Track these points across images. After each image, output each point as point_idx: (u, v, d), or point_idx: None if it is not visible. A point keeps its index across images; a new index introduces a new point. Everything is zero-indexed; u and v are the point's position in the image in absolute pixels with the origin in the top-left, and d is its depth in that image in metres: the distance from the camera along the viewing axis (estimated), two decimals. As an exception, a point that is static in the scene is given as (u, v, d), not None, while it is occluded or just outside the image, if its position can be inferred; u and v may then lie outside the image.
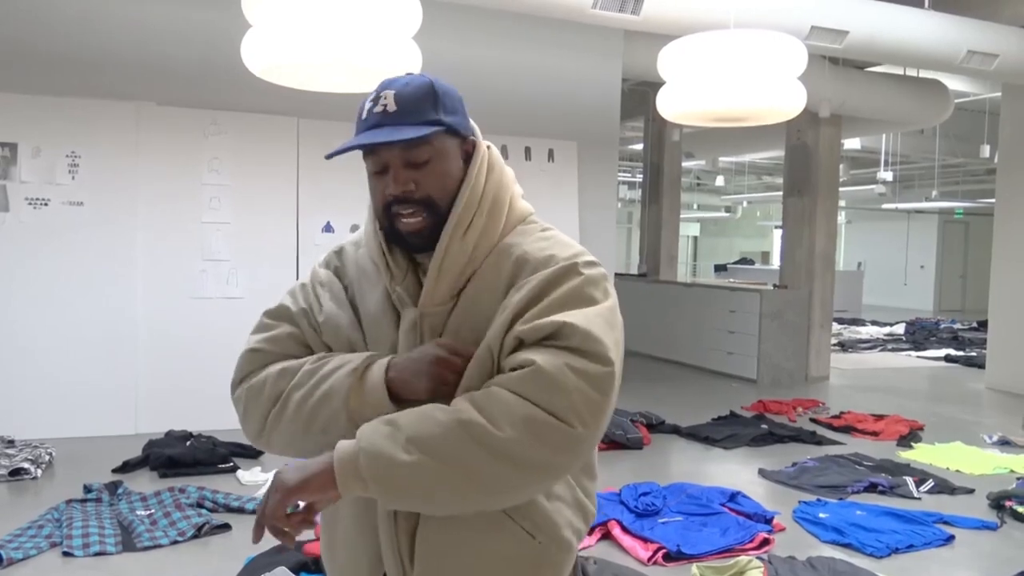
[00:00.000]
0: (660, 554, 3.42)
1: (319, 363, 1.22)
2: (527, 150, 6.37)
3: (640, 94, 9.78)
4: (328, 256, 1.38)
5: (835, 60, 7.58)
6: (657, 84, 4.85)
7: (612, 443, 5.20)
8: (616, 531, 3.67)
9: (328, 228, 5.85)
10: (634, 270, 11.27)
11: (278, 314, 1.34)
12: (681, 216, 11.07)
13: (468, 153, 1.22)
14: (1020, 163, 7.93)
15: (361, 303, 1.28)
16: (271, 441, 1.27)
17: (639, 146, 11.78)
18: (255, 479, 4.34)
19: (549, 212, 6.51)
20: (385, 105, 1.16)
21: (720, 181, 17.02)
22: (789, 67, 4.22)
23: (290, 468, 1.08)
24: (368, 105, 1.18)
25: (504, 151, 6.28)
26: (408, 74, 1.22)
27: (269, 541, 3.30)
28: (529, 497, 1.13)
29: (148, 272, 5.38)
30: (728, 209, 22.32)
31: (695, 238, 25.32)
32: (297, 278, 5.99)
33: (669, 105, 4.50)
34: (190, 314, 5.47)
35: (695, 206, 22.43)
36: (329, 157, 1.22)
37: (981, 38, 6.24)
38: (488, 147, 1.25)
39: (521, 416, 1.02)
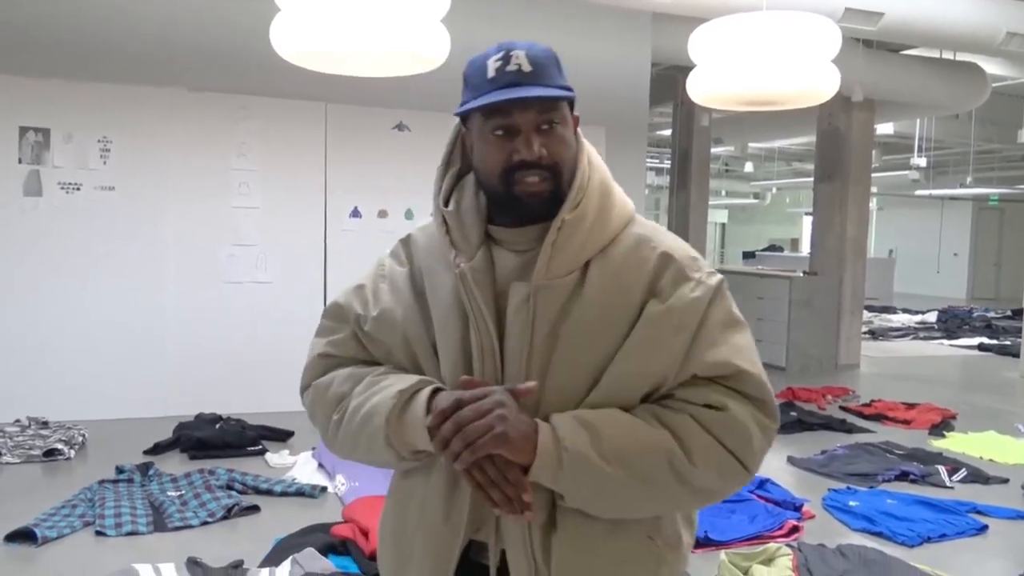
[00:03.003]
0: (687, 541, 3.40)
1: (380, 376, 1.22)
2: (555, 135, 6.32)
3: (669, 78, 9.67)
4: (395, 246, 1.34)
5: (869, 43, 7.44)
6: (687, 68, 4.78)
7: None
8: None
9: (356, 213, 5.86)
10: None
11: (337, 314, 1.31)
12: (709, 203, 10.96)
13: (574, 131, 1.21)
14: (1059, 148, 7.77)
15: (432, 292, 1.23)
16: (334, 446, 1.27)
17: (667, 132, 11.67)
18: (283, 462, 4.38)
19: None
20: (519, 65, 1.13)
21: (749, 167, 16.83)
22: (822, 50, 4.15)
23: (511, 416, 1.07)
24: (495, 63, 1.14)
25: (531, 136, 6.23)
26: (509, 41, 1.18)
27: (297, 524, 3.34)
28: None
29: (178, 256, 5.43)
30: (757, 196, 22.07)
31: (723, 225, 25.10)
32: (325, 263, 6.03)
33: (699, 89, 4.44)
34: (220, 298, 5.51)
35: (723, 192, 22.21)
36: (458, 114, 1.19)
37: (1021, 19, 6.08)
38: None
39: (716, 458, 1.12)
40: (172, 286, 5.41)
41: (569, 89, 1.17)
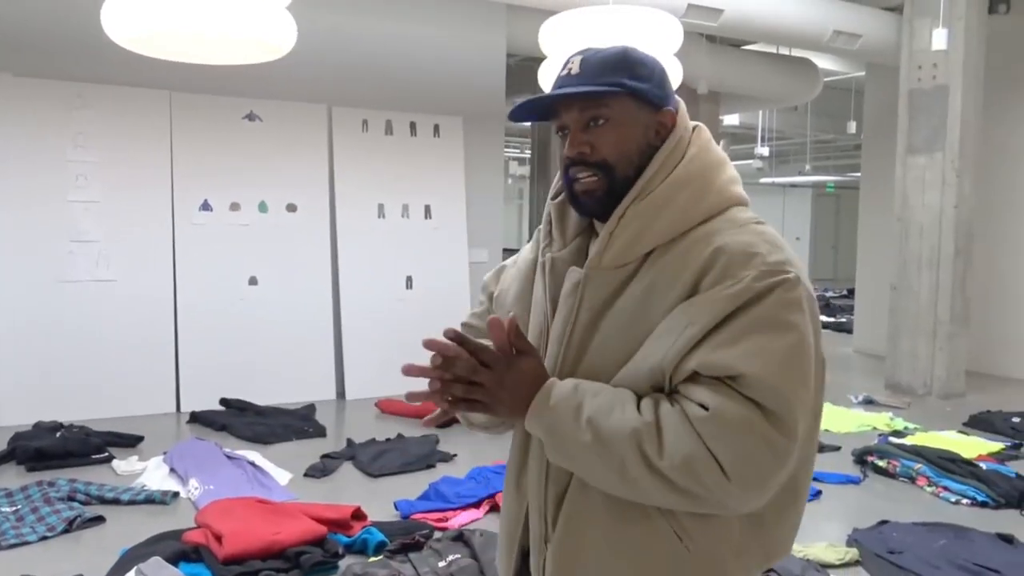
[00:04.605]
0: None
1: None
2: (412, 125, 6.30)
3: (527, 69, 9.78)
4: (540, 227, 1.37)
5: (712, 38, 7.80)
6: (542, 59, 4.87)
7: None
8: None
9: (206, 207, 5.63)
10: (525, 245, 11.36)
11: (483, 287, 1.42)
12: (569, 192, 11.18)
13: (664, 125, 1.19)
14: (882, 139, 8.36)
15: (537, 278, 1.31)
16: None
17: (528, 122, 11.84)
18: (132, 469, 4.17)
19: (436, 187, 6.48)
20: (570, 68, 1.18)
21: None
22: (666, 44, 4.32)
23: (508, 379, 1.11)
24: (560, 71, 1.20)
25: (389, 126, 6.18)
26: (587, 48, 1.22)
27: (146, 533, 3.19)
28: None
29: (9, 255, 5.05)
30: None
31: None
32: (174, 259, 5.73)
33: (550, 80, 4.52)
34: (58, 298, 5.17)
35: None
36: (511, 118, 1.23)
37: (846, 19, 6.56)
38: (696, 127, 1.23)
39: (690, 457, 1.03)
40: (3, 286, 5.03)
41: (620, 85, 1.15)
